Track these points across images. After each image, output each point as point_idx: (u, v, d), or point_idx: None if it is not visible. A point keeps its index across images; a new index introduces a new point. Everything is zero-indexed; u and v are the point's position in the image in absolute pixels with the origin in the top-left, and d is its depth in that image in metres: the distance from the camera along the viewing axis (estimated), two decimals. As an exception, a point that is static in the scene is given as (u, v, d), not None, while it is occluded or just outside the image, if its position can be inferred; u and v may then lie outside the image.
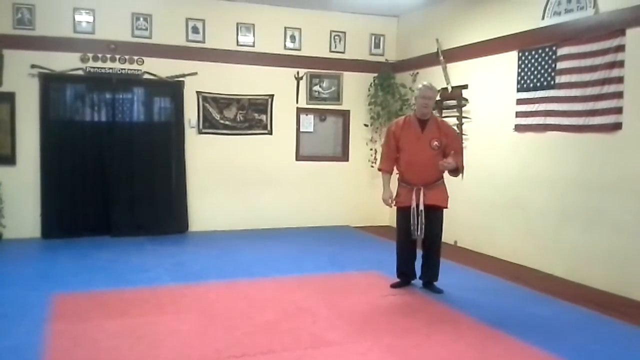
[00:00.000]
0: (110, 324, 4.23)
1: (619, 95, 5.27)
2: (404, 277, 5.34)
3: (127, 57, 7.66)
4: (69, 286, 5.24)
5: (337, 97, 8.82)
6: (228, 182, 8.28)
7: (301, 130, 8.72)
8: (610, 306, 4.88)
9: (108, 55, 7.57)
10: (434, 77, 7.64)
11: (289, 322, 4.35)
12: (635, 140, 5.14)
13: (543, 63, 6.14)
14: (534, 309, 4.80)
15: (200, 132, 8.10)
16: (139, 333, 4.05)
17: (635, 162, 5.14)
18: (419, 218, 5.07)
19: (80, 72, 7.46)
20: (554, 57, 6.01)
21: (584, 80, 5.63)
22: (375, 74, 8.77)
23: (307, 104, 8.68)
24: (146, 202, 7.78)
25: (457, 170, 5.21)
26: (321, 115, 8.87)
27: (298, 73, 8.56)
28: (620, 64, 5.25)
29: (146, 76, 7.77)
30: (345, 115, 8.93)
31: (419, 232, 5.10)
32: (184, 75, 7.92)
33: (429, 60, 7.92)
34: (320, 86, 8.71)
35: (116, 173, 7.63)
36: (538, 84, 6.20)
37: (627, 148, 5.21)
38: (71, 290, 5.11)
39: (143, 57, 7.72)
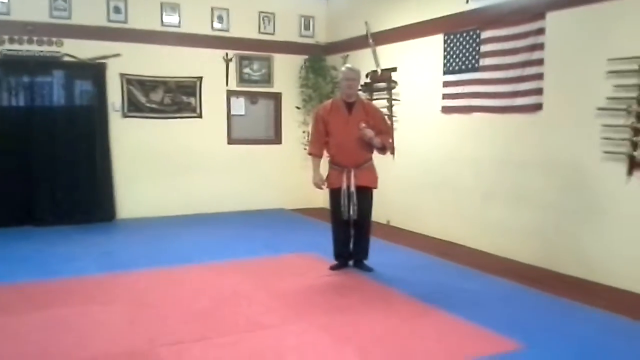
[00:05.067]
0: (36, 316, 4.06)
1: (540, 77, 5.48)
2: (342, 258, 5.39)
3: (45, 38, 7.29)
4: (-11, 279, 4.99)
5: (268, 80, 8.75)
6: (157, 167, 8.07)
7: (232, 113, 8.60)
8: (534, 279, 5.11)
9: (25, 37, 7.17)
10: (364, 60, 7.70)
11: (225, 307, 4.32)
12: (555, 120, 5.38)
13: (467, 46, 6.30)
14: (463, 284, 4.98)
15: (125, 116, 7.84)
16: (68, 325, 3.92)
17: (555, 141, 5.38)
18: (350, 199, 5.14)
19: (-6, 55, 7.06)
20: (477, 40, 6.17)
21: (506, 62, 5.82)
22: (306, 56, 8.76)
23: (238, 86, 8.56)
24: (70, 190, 7.49)
25: (384, 149, 5.28)
26: (252, 97, 8.78)
27: (227, 55, 8.42)
28: (541, 46, 5.46)
29: (66, 58, 7.43)
30: (277, 97, 8.88)
31: (350, 213, 5.16)
32: (106, 57, 7.62)
33: (359, 42, 7.97)
34: (250, 68, 8.60)
35: (37, 160, 7.29)
36: (463, 67, 6.37)
37: (548, 128, 5.44)
38: (-8, 283, 4.88)
39: (62, 39, 7.37)
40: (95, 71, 7.61)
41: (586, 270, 5.10)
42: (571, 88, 5.21)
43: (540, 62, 5.48)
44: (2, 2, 7.05)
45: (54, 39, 7.34)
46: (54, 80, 7.46)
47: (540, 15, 5.44)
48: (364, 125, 5.08)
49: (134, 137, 7.87)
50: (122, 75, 7.77)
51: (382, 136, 5.19)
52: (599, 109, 4.91)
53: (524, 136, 5.69)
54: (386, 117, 6.41)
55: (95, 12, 7.55)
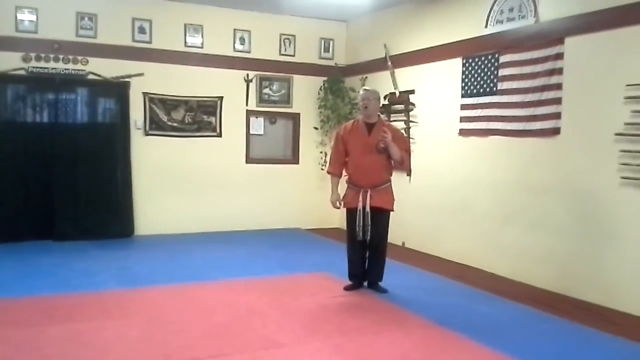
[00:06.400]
0: (55, 329, 4.13)
1: (558, 101, 5.49)
2: (356, 279, 5.40)
3: (71, 57, 7.46)
4: (11, 292, 5.06)
5: (287, 100, 8.85)
6: (176, 184, 8.17)
7: (251, 132, 8.70)
8: (550, 304, 5.07)
9: (51, 55, 7.36)
10: (382, 82, 7.77)
11: (240, 324, 4.34)
12: (573, 144, 5.38)
13: (486, 70, 6.34)
14: (478, 307, 4.96)
15: (146, 134, 7.98)
16: (85, 339, 3.97)
17: (573, 166, 5.37)
18: (365, 220, 5.16)
19: (22, 72, 7.23)
20: (496, 64, 6.21)
21: (524, 86, 5.84)
22: (325, 78, 8.85)
23: (257, 106, 8.67)
24: (91, 206, 7.59)
25: (402, 162, 5.29)
26: (271, 118, 8.88)
27: (248, 75, 8.54)
28: (559, 71, 5.48)
29: (91, 76, 7.60)
30: (295, 118, 8.97)
31: (363, 234, 5.18)
32: (129, 76, 7.78)
33: (378, 65, 8.05)
34: (270, 89, 8.71)
35: (59, 175, 7.42)
36: (481, 90, 6.40)
37: (566, 152, 5.44)
38: (14, 296, 4.95)
39: (88, 57, 7.54)
40: (118, 90, 7.76)
41: (603, 296, 5.05)
42: (589, 113, 5.22)
43: (558, 86, 5.49)
44: (30, 21, 7.25)
45: (80, 58, 7.52)
46: (78, 97, 7.61)
47: (559, 40, 5.47)
48: (385, 134, 5.09)
49: (154, 155, 8.00)
50: (144, 94, 7.92)
51: (402, 152, 5.23)
52: (617, 134, 4.90)
53: (542, 160, 5.69)
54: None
55: (120, 32, 7.73)
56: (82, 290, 5.21)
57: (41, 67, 7.33)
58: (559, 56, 5.48)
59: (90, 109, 7.72)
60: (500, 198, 6.18)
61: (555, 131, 5.51)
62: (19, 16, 7.20)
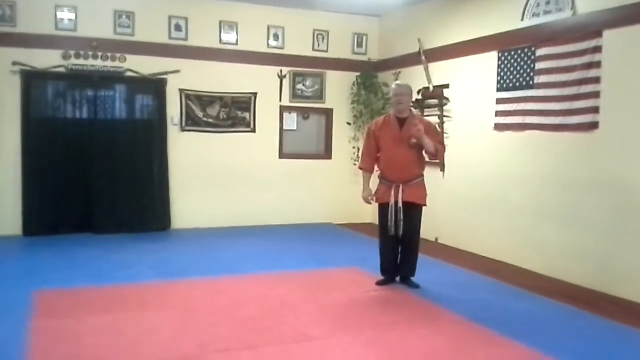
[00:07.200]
0: (92, 320, 4.24)
1: (596, 95, 5.37)
2: (388, 274, 5.40)
3: (109, 54, 7.63)
4: (51, 283, 5.22)
5: (320, 96, 8.87)
6: (211, 179, 8.28)
7: (284, 128, 8.75)
8: (585, 300, 4.99)
9: (90, 53, 7.54)
10: (415, 77, 7.73)
11: (272, 317, 4.39)
12: (611, 139, 5.26)
13: (522, 63, 6.24)
14: (512, 304, 4.90)
15: (182, 130, 8.11)
16: (122, 329, 4.07)
17: (610, 161, 5.26)
18: (397, 215, 5.15)
19: (62, 69, 7.43)
20: (532, 57, 6.11)
21: (561, 80, 5.73)
22: (358, 73, 8.84)
23: (290, 102, 8.71)
24: (128, 199, 7.76)
25: (436, 154, 5.23)
26: (304, 113, 8.92)
27: (281, 71, 8.59)
28: (597, 64, 5.36)
29: (128, 73, 7.75)
30: (328, 113, 8.99)
31: (396, 229, 5.17)
32: (166, 73, 7.91)
33: (411, 59, 8.00)
34: (303, 84, 8.75)
35: (98, 170, 7.61)
36: (517, 84, 6.31)
37: (603, 147, 5.33)
38: (53, 287, 5.09)
39: (125, 55, 7.70)
40: (155, 86, 7.91)
41: (642, 294, 4.95)
42: (628, 107, 5.10)
43: (596, 80, 5.37)
44: (69, 19, 7.44)
45: (118, 55, 7.68)
46: (116, 94, 7.78)
47: (597, 33, 5.35)
48: (419, 127, 5.04)
49: (190, 150, 8.12)
50: (181, 90, 8.04)
51: (436, 143, 5.18)
52: (658, 128, 4.79)
53: (579, 155, 5.58)
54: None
55: (157, 30, 7.87)
56: (119, 281, 5.34)
57: (80, 65, 7.51)
58: (597, 49, 5.36)
59: (128, 105, 7.88)
60: (535, 193, 6.08)
61: (593, 125, 5.40)
62: (59, 14, 7.39)
